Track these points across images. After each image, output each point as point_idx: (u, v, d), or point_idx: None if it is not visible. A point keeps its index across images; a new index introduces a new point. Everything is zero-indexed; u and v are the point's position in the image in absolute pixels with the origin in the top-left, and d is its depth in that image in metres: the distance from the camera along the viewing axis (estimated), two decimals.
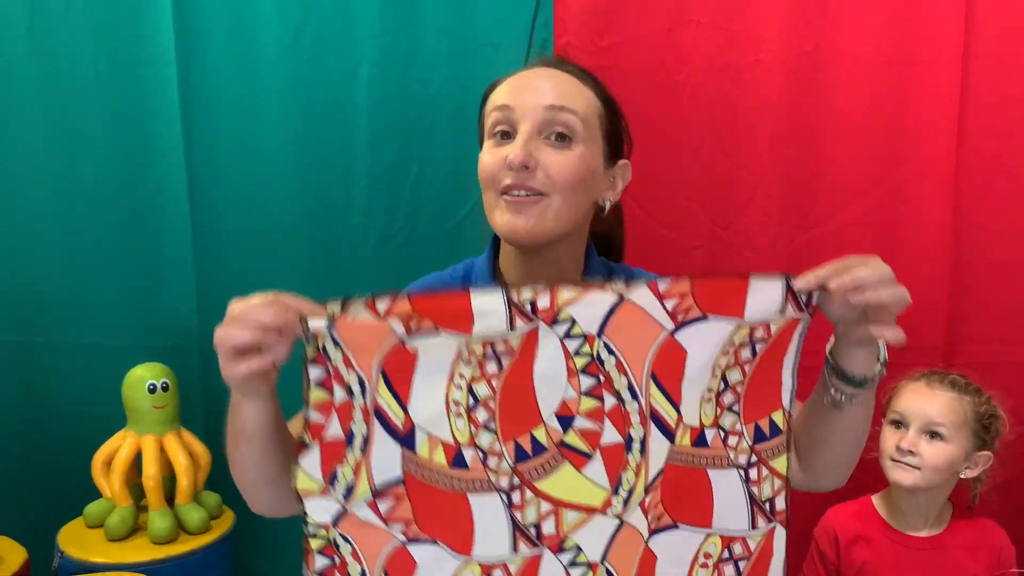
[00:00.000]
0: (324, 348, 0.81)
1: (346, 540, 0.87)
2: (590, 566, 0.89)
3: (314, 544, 0.87)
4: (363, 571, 0.87)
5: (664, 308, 0.85)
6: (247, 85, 1.84)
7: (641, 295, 0.84)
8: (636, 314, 0.84)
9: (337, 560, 0.88)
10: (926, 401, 1.42)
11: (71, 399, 1.99)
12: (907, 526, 1.47)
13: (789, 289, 0.85)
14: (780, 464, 0.93)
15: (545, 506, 0.87)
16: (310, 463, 0.84)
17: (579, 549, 0.88)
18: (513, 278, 1.06)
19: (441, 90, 1.80)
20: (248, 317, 0.80)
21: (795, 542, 1.52)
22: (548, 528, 0.87)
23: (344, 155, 1.84)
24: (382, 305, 0.81)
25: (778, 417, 0.91)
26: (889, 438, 1.44)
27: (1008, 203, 1.65)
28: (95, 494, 1.83)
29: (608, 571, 0.89)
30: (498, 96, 1.00)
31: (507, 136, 0.98)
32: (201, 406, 1.96)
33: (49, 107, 1.89)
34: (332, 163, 1.85)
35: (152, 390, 1.77)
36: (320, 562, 0.87)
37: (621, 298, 0.84)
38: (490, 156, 0.98)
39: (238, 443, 0.90)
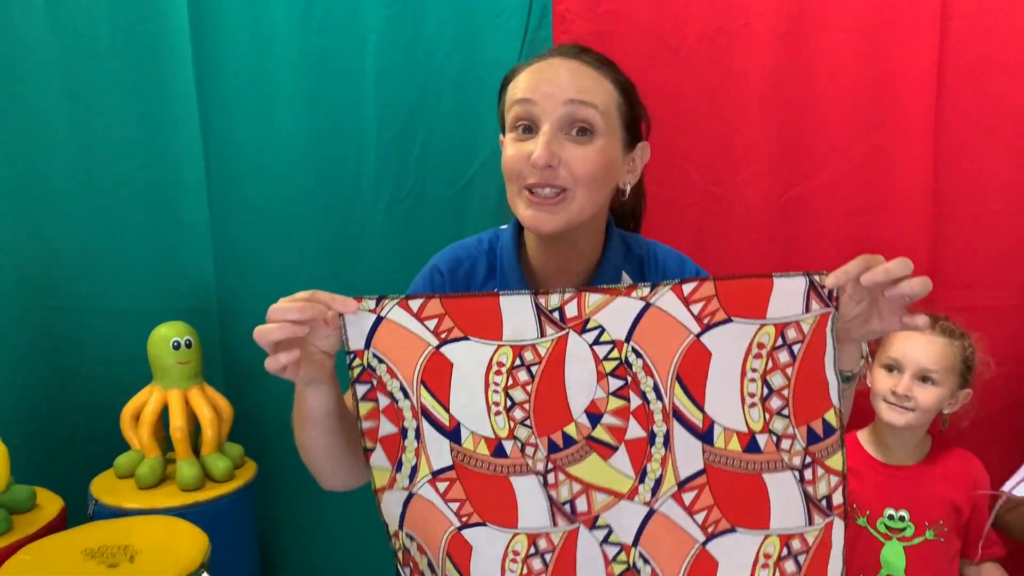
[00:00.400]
0: (369, 366, 0.92)
1: (412, 539, 0.98)
2: (623, 547, 0.97)
3: (394, 545, 0.99)
4: (429, 561, 0.98)
5: (690, 312, 0.90)
6: (260, 57, 1.92)
7: (667, 300, 0.90)
8: (663, 319, 0.91)
9: (412, 565, 0.99)
10: (920, 348, 1.50)
11: (97, 360, 2.09)
12: (891, 458, 1.57)
13: (811, 286, 0.88)
14: (835, 462, 0.94)
15: (576, 487, 0.96)
16: (378, 458, 0.95)
17: (610, 529, 0.97)
18: (534, 253, 1.10)
19: (446, 59, 1.87)
20: (280, 316, 0.88)
21: None
22: (581, 506, 0.96)
23: (354, 122, 1.92)
24: (415, 304, 0.90)
25: (831, 416, 0.93)
26: (883, 381, 1.52)
27: (985, 158, 1.73)
28: (122, 448, 1.94)
29: (642, 555, 0.97)
30: (519, 89, 1.01)
31: (529, 130, 1.00)
32: (220, 364, 2.06)
33: (70, 82, 1.98)
34: (343, 130, 1.93)
35: (176, 347, 1.86)
36: (404, 571, 1.00)
37: (648, 304, 0.90)
38: (514, 150, 1.01)
39: (304, 427, 0.99)
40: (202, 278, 2.04)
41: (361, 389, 0.94)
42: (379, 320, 0.92)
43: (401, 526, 0.99)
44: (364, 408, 0.94)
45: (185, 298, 2.05)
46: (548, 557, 0.98)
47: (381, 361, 0.92)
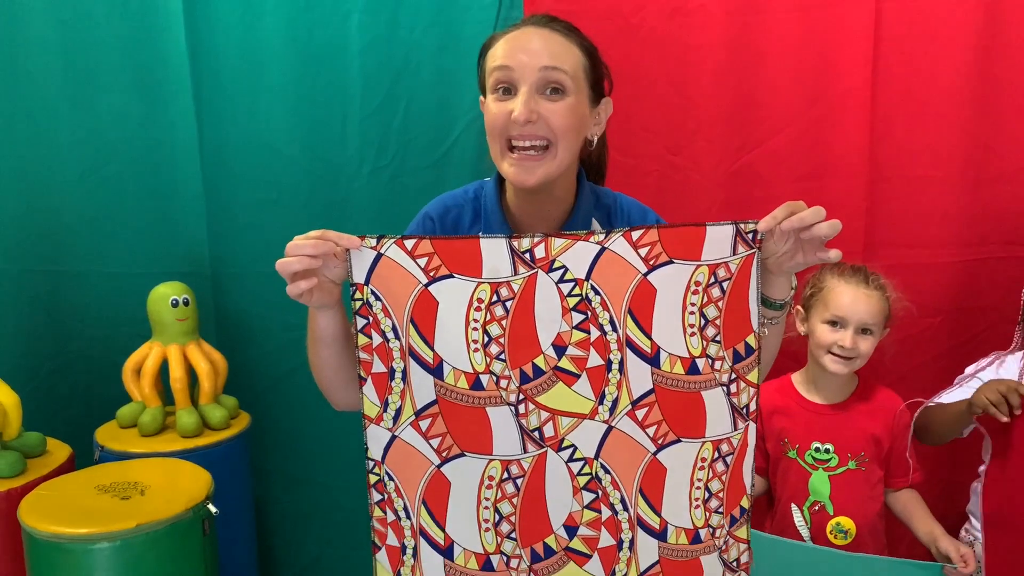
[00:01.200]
0: (367, 301, 1.06)
1: (391, 478, 1.11)
2: (586, 461, 1.12)
3: (371, 479, 1.12)
4: (405, 505, 1.12)
5: (638, 255, 1.06)
6: (250, 32, 2.05)
7: (619, 245, 1.05)
8: (616, 260, 1.06)
9: (385, 496, 1.12)
10: (861, 305, 1.65)
11: (95, 322, 2.23)
12: (820, 397, 1.73)
13: (737, 232, 1.04)
14: (753, 376, 1.11)
15: (544, 415, 1.11)
16: (369, 391, 1.09)
17: (575, 447, 1.12)
18: (515, 202, 1.23)
19: (424, 34, 2.01)
20: (297, 251, 1.03)
21: None
22: (548, 431, 1.11)
23: (339, 94, 2.05)
24: (410, 243, 1.05)
25: (751, 339, 1.09)
26: (827, 336, 1.66)
27: (918, 126, 1.90)
28: (122, 402, 2.07)
29: (603, 466, 1.13)
30: (497, 56, 1.15)
31: (508, 92, 1.13)
32: (214, 324, 2.20)
33: (67, 55, 2.10)
34: (328, 102, 2.06)
35: (175, 304, 1.99)
36: (375, 496, 1.12)
37: (603, 248, 1.05)
38: (496, 109, 1.14)
39: (318, 349, 1.13)
40: (196, 243, 2.17)
41: (360, 322, 1.07)
42: (379, 257, 1.05)
43: (383, 460, 1.12)
44: (361, 340, 1.08)
45: (180, 262, 2.18)
46: (519, 481, 1.13)
47: (378, 299, 1.06)
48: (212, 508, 1.64)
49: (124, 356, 2.08)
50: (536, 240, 1.06)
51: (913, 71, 1.88)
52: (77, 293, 2.21)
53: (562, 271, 1.07)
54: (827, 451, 1.69)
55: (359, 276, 1.06)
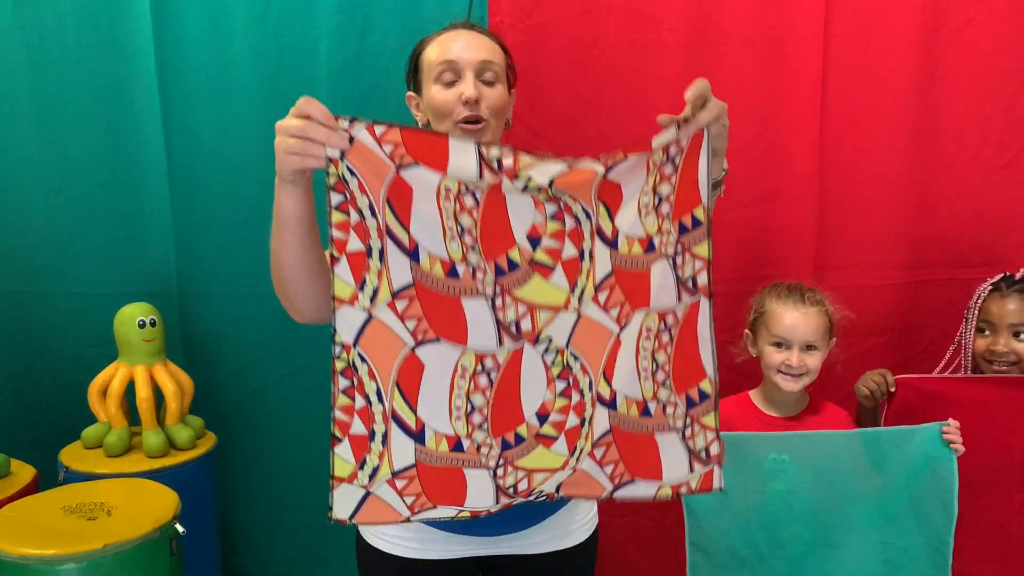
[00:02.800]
0: (343, 176, 1.04)
1: (363, 360, 1.09)
2: (558, 351, 1.14)
3: (338, 365, 1.09)
4: (378, 388, 1.10)
5: (600, 161, 1.09)
6: (219, 56, 2.08)
7: (585, 163, 1.08)
8: (578, 174, 1.08)
9: (355, 381, 1.10)
10: (802, 324, 1.72)
11: (61, 342, 2.23)
12: (776, 411, 1.80)
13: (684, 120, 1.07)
14: (701, 249, 1.13)
15: (522, 308, 1.12)
16: (342, 270, 1.07)
17: (550, 340, 1.14)
18: None
19: (391, 62, 2.05)
20: (297, 132, 1.07)
21: None
22: (526, 326, 1.12)
23: None
24: (379, 129, 1.04)
25: (699, 212, 1.11)
26: (774, 356, 1.73)
27: (864, 152, 1.99)
28: (86, 423, 2.07)
29: (573, 354, 1.14)
30: (441, 52, 1.32)
31: (452, 82, 1.31)
32: (180, 344, 2.21)
33: (35, 76, 2.12)
34: None
35: (142, 325, 2.01)
36: (342, 383, 1.09)
37: (569, 166, 1.08)
38: (444, 95, 1.30)
39: (281, 235, 1.15)
40: (163, 264, 2.19)
41: (335, 198, 1.04)
42: (351, 139, 1.04)
43: (355, 343, 1.08)
44: (336, 217, 1.04)
45: (147, 281, 2.19)
46: (493, 375, 1.13)
47: (353, 175, 1.03)
48: (179, 528, 1.65)
49: (90, 376, 2.08)
50: (506, 151, 1.06)
51: (859, 101, 1.98)
52: (42, 313, 2.22)
53: (526, 180, 1.07)
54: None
55: (333, 152, 1.04)
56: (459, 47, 1.32)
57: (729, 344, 1.87)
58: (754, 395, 1.84)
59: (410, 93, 1.42)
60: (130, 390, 2.03)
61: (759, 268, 2.03)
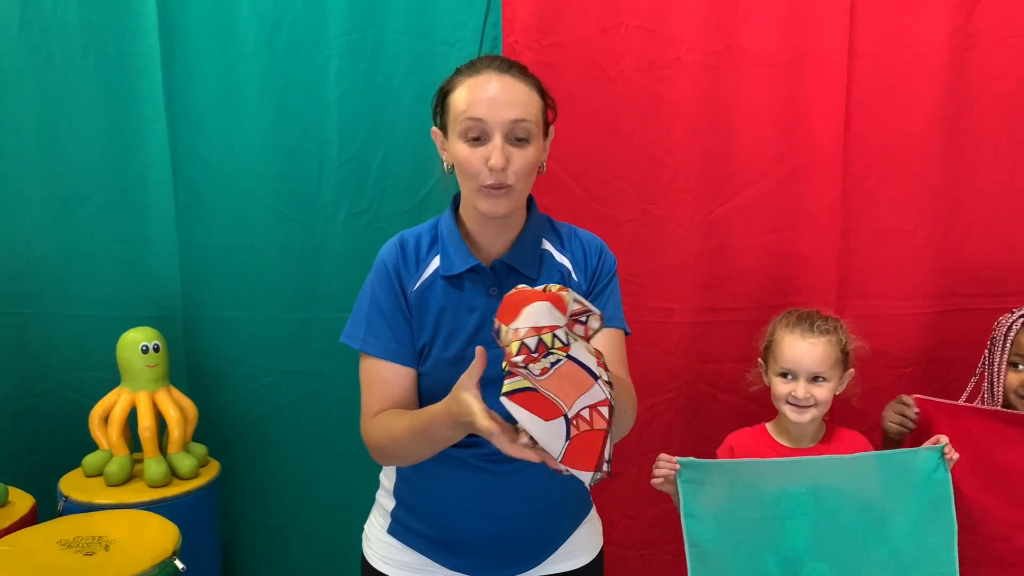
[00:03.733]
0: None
1: None
2: None
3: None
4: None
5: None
6: (227, 78, 2.04)
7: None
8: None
9: None
10: (808, 355, 1.65)
11: (63, 365, 2.18)
12: (793, 443, 1.73)
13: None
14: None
15: None
16: None
17: None
18: (474, 226, 1.35)
19: (403, 83, 2.01)
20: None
21: None
22: None
23: (316, 140, 2.05)
24: None
25: None
26: (782, 388, 1.67)
27: (888, 179, 1.93)
28: (87, 450, 2.02)
29: None
30: (466, 103, 1.25)
31: (478, 139, 1.25)
32: (184, 370, 2.16)
33: (42, 99, 2.08)
34: (305, 148, 2.06)
35: (145, 351, 1.96)
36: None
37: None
38: (470, 155, 1.25)
39: (423, 448, 1.24)
40: (168, 286, 2.14)
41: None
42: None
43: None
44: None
45: (151, 305, 2.14)
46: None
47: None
48: (179, 564, 1.60)
49: (93, 400, 2.04)
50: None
51: (883, 125, 1.92)
52: (45, 336, 2.17)
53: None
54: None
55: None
56: (488, 102, 1.24)
57: (746, 372, 1.81)
58: (770, 426, 1.78)
59: (435, 129, 1.37)
60: (133, 417, 1.98)
61: (779, 296, 1.97)
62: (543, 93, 1.32)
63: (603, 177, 1.99)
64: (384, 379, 1.31)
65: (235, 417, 2.19)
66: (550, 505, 1.38)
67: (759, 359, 1.76)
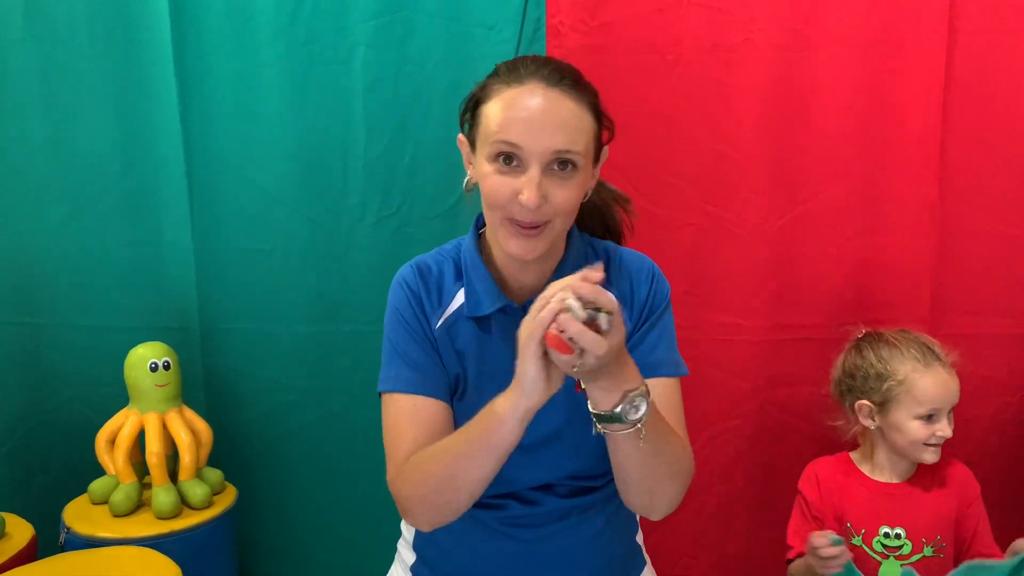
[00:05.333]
0: None
1: None
2: None
3: None
4: None
5: None
6: (243, 67, 1.86)
7: None
8: None
9: None
10: (947, 391, 1.47)
11: (74, 379, 2.03)
12: (883, 475, 1.53)
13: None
14: None
15: None
16: None
17: None
18: (502, 259, 1.14)
19: (435, 72, 1.82)
20: None
21: (784, 503, 1.58)
22: None
23: (340, 136, 1.86)
24: None
25: None
26: (922, 431, 1.46)
27: (991, 178, 1.69)
28: (99, 471, 1.87)
29: None
30: (500, 123, 1.02)
31: (510, 163, 1.02)
32: (202, 385, 2.00)
33: (48, 93, 1.92)
34: (329, 145, 1.87)
35: (154, 368, 1.80)
36: None
37: None
38: (499, 183, 1.02)
39: (479, 459, 0.96)
40: (184, 296, 1.98)
41: None
42: None
43: None
44: None
45: (166, 316, 1.98)
46: None
47: None
48: None
49: (103, 418, 1.88)
50: None
51: (988, 115, 1.69)
52: (54, 348, 2.02)
53: None
54: (898, 536, 1.48)
55: None
56: (526, 125, 1.01)
57: (824, 395, 1.61)
58: (855, 456, 1.57)
59: (462, 137, 1.14)
60: (143, 439, 1.82)
61: (862, 312, 1.73)
62: (598, 113, 1.08)
63: (659, 176, 1.76)
64: (415, 416, 1.08)
65: (254, 437, 2.03)
66: (594, 574, 1.18)
67: (865, 402, 1.52)
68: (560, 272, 1.12)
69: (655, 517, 1.06)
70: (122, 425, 1.81)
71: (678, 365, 1.14)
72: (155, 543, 1.66)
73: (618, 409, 0.90)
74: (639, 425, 0.91)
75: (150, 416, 1.80)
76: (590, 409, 0.93)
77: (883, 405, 1.49)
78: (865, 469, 1.55)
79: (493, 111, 1.03)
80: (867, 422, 1.51)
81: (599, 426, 0.93)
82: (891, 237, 1.72)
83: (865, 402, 1.51)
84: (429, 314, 1.13)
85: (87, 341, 2.01)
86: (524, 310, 0.93)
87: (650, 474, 1.00)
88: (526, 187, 1.00)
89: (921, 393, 1.46)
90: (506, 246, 1.06)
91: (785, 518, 1.57)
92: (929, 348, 1.50)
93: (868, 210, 1.72)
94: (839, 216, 1.72)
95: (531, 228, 1.03)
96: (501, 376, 0.95)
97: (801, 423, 1.78)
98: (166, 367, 1.81)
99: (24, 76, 1.92)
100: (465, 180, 1.15)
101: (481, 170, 1.06)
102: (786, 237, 1.74)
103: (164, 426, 1.81)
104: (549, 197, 1.01)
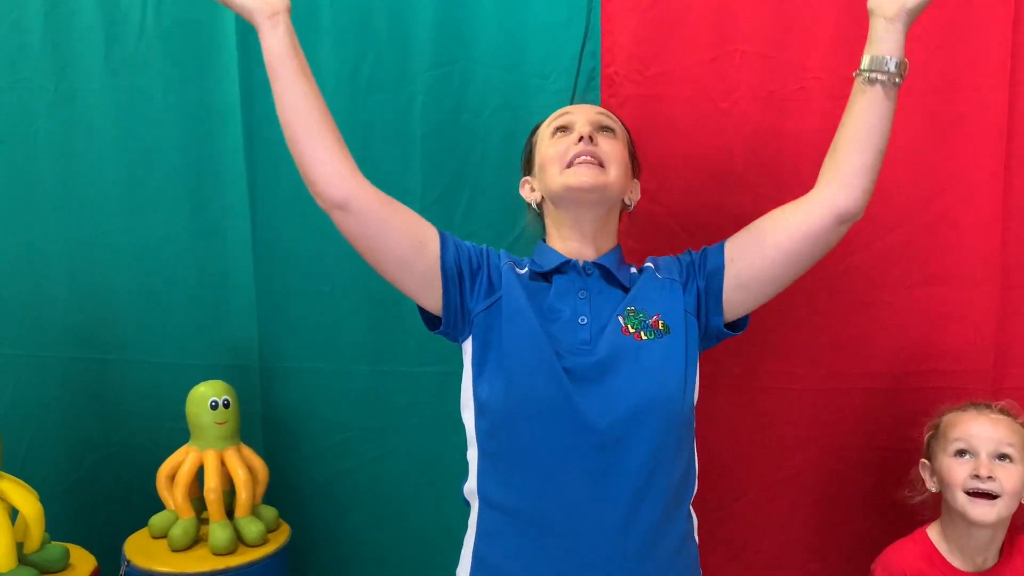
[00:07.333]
0: None
1: None
2: None
3: None
4: None
5: None
6: None
7: None
8: None
9: None
10: (990, 425, 1.39)
11: (139, 414, 2.10)
12: (969, 563, 1.43)
13: None
14: None
15: None
16: None
17: None
18: (562, 247, 1.32)
19: (491, 120, 1.85)
20: None
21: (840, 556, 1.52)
22: None
23: (399, 182, 1.89)
24: None
25: None
26: (958, 469, 1.38)
27: None
28: (160, 505, 1.91)
29: None
30: (552, 122, 1.34)
31: (565, 130, 1.29)
32: (260, 423, 2.05)
33: (123, 139, 2.02)
34: (388, 190, 1.88)
35: (214, 406, 1.84)
36: None
37: None
38: (558, 141, 1.29)
39: (278, 78, 1.22)
40: (245, 335, 2.03)
41: None
42: None
43: None
44: None
45: (228, 355, 2.04)
46: None
47: None
48: None
49: (166, 453, 1.93)
50: None
51: None
52: (121, 384, 2.09)
53: None
54: None
55: None
56: (573, 108, 1.34)
57: (878, 447, 1.56)
58: (934, 535, 1.46)
59: (525, 178, 1.41)
60: (202, 475, 1.86)
61: (922, 362, 1.69)
62: (631, 141, 1.38)
63: (714, 222, 1.74)
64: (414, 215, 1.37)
65: (310, 474, 2.06)
66: None
67: (922, 460, 1.48)
68: (614, 252, 1.32)
69: (861, 197, 1.28)
70: (182, 461, 1.86)
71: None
72: None
73: (898, 60, 1.16)
74: (898, 80, 1.18)
75: (209, 453, 1.84)
76: (873, 55, 1.19)
77: (931, 458, 1.44)
78: (948, 556, 1.44)
79: (545, 128, 1.36)
80: (929, 483, 1.45)
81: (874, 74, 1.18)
82: (952, 287, 1.67)
83: (923, 460, 1.47)
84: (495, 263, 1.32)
85: (152, 378, 2.08)
86: (585, 271, 1.27)
87: (885, 141, 1.24)
88: (579, 126, 1.26)
89: (950, 430, 1.41)
90: (567, 180, 1.24)
91: (841, 570, 1.51)
92: (978, 403, 1.45)
93: (928, 258, 1.68)
94: (898, 264, 1.69)
95: (590, 158, 1.23)
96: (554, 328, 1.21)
97: (858, 474, 1.73)
98: (226, 405, 1.86)
99: (102, 124, 2.02)
100: (531, 205, 1.39)
101: (542, 158, 1.31)
102: (843, 284, 1.71)
103: (222, 463, 1.85)
104: (598, 143, 1.25)
